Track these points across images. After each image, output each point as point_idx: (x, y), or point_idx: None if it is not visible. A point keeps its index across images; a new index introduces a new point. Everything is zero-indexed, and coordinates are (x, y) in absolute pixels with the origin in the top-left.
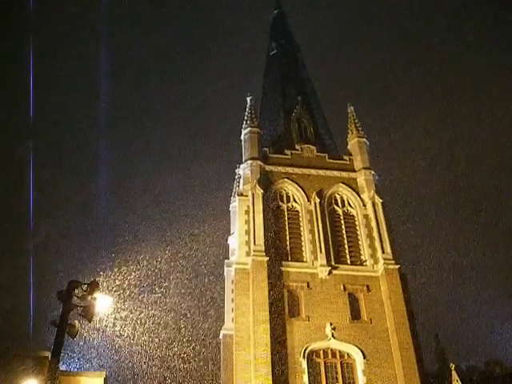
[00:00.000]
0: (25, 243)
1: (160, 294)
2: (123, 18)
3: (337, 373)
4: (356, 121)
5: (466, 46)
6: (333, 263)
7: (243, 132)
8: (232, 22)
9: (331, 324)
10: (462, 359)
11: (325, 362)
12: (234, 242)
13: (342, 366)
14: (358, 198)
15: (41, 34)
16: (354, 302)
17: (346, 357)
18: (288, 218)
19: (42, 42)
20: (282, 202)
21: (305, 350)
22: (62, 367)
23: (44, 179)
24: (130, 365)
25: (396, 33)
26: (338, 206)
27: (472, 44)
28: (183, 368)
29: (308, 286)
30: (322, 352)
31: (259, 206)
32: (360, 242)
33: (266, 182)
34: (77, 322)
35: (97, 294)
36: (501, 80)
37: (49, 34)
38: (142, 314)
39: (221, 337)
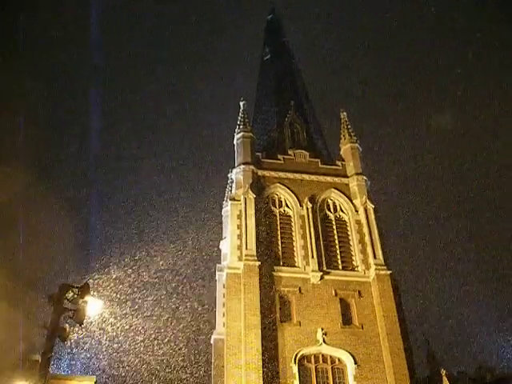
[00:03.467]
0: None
1: (151, 299)
2: (114, 28)
3: (328, 378)
4: (349, 126)
5: (461, 51)
6: (324, 268)
7: (236, 136)
8: (225, 27)
9: (323, 329)
10: (453, 365)
11: (316, 368)
12: (226, 246)
13: (333, 372)
14: (350, 203)
15: None
16: (345, 307)
17: (337, 362)
18: (280, 223)
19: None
20: (275, 206)
21: (296, 355)
22: (53, 371)
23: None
24: (120, 370)
25: (390, 39)
26: (330, 211)
27: (467, 49)
28: (174, 372)
29: (300, 291)
30: (313, 357)
31: (251, 211)
32: (352, 248)
33: (258, 186)
34: (67, 325)
35: (88, 298)
36: (498, 83)
37: None
38: (133, 319)
39: (212, 341)
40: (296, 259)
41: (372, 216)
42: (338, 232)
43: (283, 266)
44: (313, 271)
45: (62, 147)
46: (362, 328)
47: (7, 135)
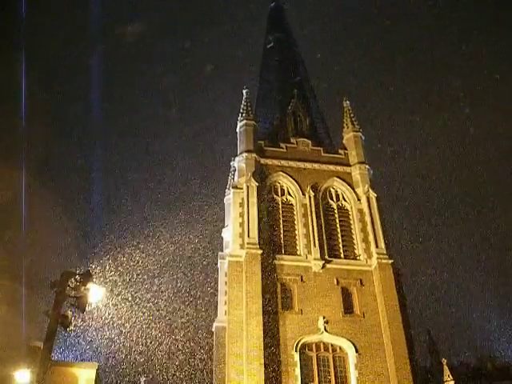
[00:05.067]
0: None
1: (153, 287)
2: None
3: (329, 366)
4: (352, 115)
5: (463, 40)
6: (326, 257)
7: (239, 124)
8: (229, 14)
9: (324, 317)
10: (455, 355)
11: (317, 356)
12: (228, 234)
13: (334, 360)
14: (352, 192)
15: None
16: (346, 295)
17: (338, 350)
18: (282, 212)
19: None
20: (277, 195)
21: (297, 343)
22: (55, 358)
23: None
24: (123, 356)
25: (393, 27)
26: (332, 200)
27: (468, 39)
28: (176, 360)
29: (301, 279)
30: (314, 345)
31: (254, 199)
32: (354, 237)
33: (260, 174)
34: (70, 312)
35: (90, 285)
36: (497, 75)
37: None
38: (135, 307)
39: (214, 329)
40: (298, 247)
41: (374, 205)
42: (340, 221)
43: (285, 254)
44: (315, 259)
45: (62, 141)
46: (364, 317)
47: (7, 135)
